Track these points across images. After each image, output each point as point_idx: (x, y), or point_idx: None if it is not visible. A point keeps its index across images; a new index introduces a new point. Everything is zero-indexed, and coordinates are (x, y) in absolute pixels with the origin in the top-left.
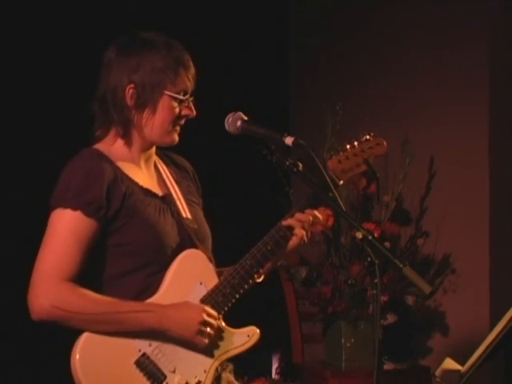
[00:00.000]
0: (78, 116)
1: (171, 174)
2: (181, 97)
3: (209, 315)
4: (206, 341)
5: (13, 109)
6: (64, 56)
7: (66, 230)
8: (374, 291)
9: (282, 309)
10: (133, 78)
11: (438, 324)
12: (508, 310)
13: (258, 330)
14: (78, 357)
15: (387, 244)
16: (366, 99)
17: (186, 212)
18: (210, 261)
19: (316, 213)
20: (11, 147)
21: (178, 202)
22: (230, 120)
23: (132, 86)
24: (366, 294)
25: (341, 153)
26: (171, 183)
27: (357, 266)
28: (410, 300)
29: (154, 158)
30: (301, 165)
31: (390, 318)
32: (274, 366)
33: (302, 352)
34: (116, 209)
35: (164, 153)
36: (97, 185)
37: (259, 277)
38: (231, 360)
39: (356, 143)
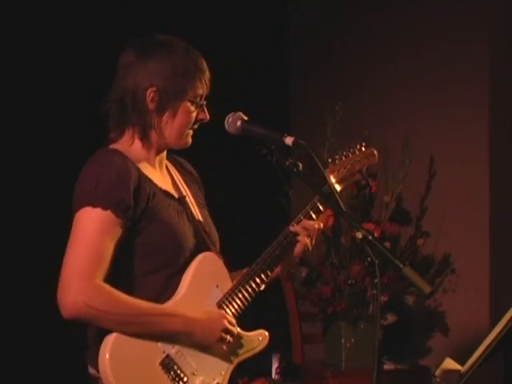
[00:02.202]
0: (89, 117)
1: (182, 177)
2: (200, 102)
3: (230, 323)
4: (225, 348)
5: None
6: (78, 57)
7: (95, 229)
8: (374, 291)
9: (282, 309)
10: (154, 81)
11: (438, 324)
12: (508, 309)
13: (267, 333)
14: (107, 356)
15: (387, 244)
16: (365, 99)
17: (198, 215)
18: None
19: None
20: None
21: (191, 205)
22: (230, 120)
23: (154, 89)
24: (365, 294)
25: (337, 161)
26: (183, 186)
27: (357, 265)
28: (410, 300)
29: (165, 160)
30: (301, 165)
31: (390, 318)
32: (274, 365)
33: (302, 352)
34: (141, 209)
35: (172, 156)
36: (125, 184)
37: (261, 284)
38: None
39: (350, 154)
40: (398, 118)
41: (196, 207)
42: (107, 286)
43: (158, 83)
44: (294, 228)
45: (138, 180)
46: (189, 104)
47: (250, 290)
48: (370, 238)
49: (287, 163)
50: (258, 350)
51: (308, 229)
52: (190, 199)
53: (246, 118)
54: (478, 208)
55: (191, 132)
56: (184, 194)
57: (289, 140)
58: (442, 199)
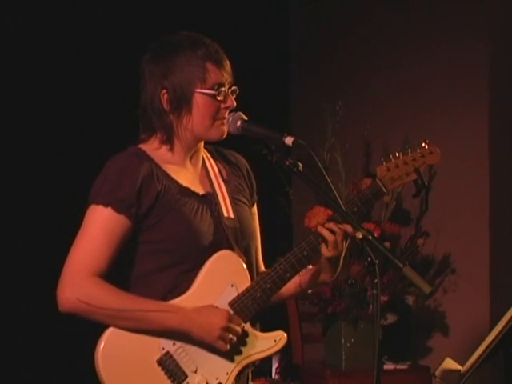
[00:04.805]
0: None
1: (220, 171)
2: (212, 92)
3: (232, 321)
4: (228, 346)
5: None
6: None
7: (96, 225)
8: (374, 291)
9: (282, 309)
10: (164, 83)
11: (438, 324)
12: (508, 309)
13: (285, 335)
14: (101, 347)
15: (387, 244)
16: (366, 99)
17: (228, 211)
18: (249, 263)
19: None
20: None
21: (220, 201)
22: (230, 120)
23: (164, 91)
24: (366, 294)
25: (392, 160)
26: (217, 181)
27: (357, 265)
28: (410, 300)
29: (203, 153)
30: (301, 165)
31: (390, 318)
32: (274, 365)
33: (302, 352)
34: (148, 206)
35: (217, 148)
36: (129, 182)
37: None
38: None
39: (409, 151)
40: (398, 118)
41: (229, 203)
42: (102, 282)
43: (167, 84)
44: (321, 229)
45: (149, 177)
46: (202, 96)
47: (268, 290)
48: (370, 237)
49: (287, 163)
50: (272, 351)
51: (335, 231)
52: (223, 194)
53: (245, 118)
54: (478, 208)
55: (223, 122)
56: (214, 189)
57: (289, 140)
58: (442, 199)
